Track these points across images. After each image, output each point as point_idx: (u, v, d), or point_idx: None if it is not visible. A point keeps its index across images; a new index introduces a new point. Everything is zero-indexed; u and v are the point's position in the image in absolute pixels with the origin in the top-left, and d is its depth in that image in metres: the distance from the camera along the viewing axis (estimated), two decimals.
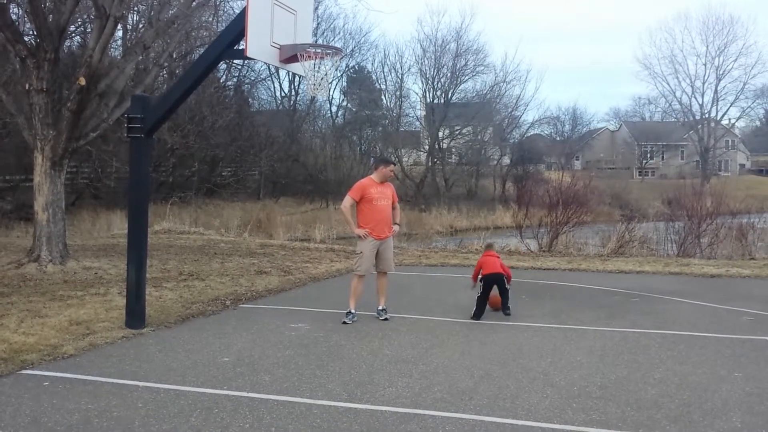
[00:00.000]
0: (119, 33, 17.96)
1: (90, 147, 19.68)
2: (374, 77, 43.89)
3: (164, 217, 20.54)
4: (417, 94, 44.93)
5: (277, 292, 9.43)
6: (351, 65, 42.40)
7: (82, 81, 10.33)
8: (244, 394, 4.93)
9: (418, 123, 45.46)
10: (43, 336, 6.44)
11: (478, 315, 7.67)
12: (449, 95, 42.46)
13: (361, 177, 7.66)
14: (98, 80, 10.80)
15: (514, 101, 45.93)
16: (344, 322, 7.32)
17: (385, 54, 53.75)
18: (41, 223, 10.79)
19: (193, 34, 15.78)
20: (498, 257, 8.28)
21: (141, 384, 5.12)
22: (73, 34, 18.84)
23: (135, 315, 6.99)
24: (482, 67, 43.33)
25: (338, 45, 35.64)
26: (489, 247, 8.81)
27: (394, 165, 8.03)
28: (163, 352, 6.07)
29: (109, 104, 11.53)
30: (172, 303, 8.31)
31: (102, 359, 5.83)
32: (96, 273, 10.48)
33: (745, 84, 58.51)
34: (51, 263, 10.61)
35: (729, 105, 60.85)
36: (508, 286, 8.01)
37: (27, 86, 10.66)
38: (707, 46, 58.63)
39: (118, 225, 18.85)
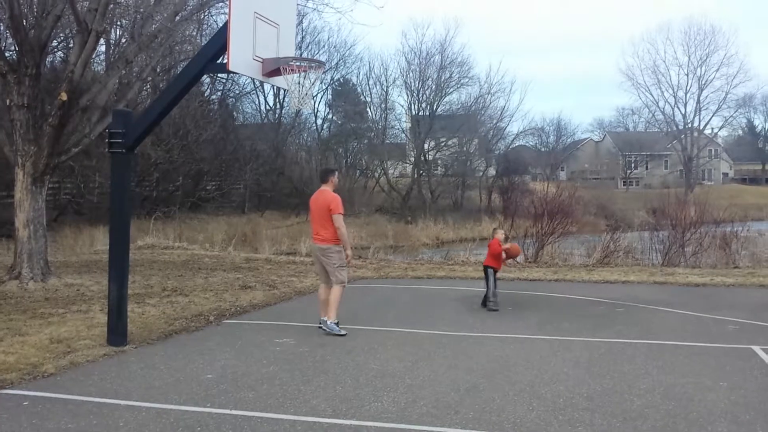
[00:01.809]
0: (102, 48, 17.83)
1: (72, 162, 19.55)
2: (359, 90, 43.98)
3: (148, 232, 20.36)
4: (402, 106, 44.97)
5: (261, 307, 9.36)
6: (336, 78, 42.43)
7: (64, 96, 10.24)
8: (228, 411, 4.86)
9: (403, 135, 45.48)
10: (24, 354, 6.34)
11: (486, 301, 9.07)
12: (434, 107, 42.59)
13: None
14: (80, 95, 10.72)
15: (499, 113, 46.10)
16: (340, 334, 7.34)
17: (370, 67, 53.73)
18: (22, 240, 10.65)
19: (177, 48, 15.71)
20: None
21: (122, 402, 5.04)
22: (55, 50, 18.70)
23: (117, 332, 6.89)
24: (467, 79, 43.55)
25: (323, 58, 35.78)
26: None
27: None
28: (145, 370, 5.99)
29: (91, 119, 11.44)
30: (154, 319, 8.21)
31: (83, 378, 5.74)
32: (78, 290, 10.36)
33: (727, 94, 59.11)
34: (32, 280, 10.47)
35: (711, 115, 61.46)
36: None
37: (8, 102, 10.55)
38: (689, 57, 59.20)
39: (101, 241, 18.60)
